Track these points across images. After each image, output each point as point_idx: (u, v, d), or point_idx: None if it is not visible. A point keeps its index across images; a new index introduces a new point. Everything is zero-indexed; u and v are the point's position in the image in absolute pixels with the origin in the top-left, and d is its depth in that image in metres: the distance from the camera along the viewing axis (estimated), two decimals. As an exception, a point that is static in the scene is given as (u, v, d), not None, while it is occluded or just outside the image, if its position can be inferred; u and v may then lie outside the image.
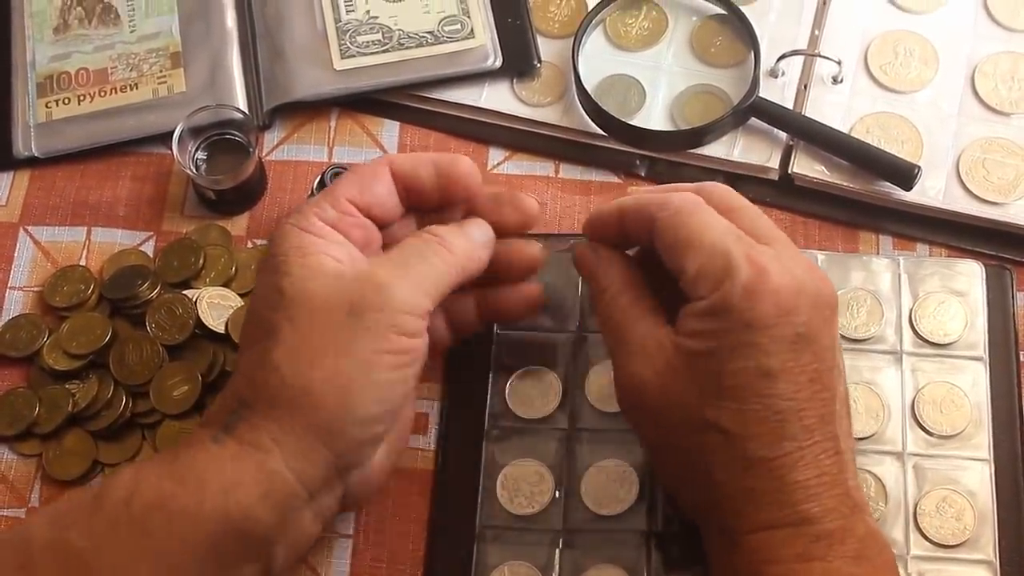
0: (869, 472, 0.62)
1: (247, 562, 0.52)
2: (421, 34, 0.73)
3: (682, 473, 0.56)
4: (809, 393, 0.52)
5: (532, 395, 0.64)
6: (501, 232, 0.60)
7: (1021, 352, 0.65)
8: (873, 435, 0.63)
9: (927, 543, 0.61)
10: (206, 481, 0.51)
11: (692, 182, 0.69)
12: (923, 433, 0.63)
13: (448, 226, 0.58)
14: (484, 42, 0.73)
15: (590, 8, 0.74)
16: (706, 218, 0.55)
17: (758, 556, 0.52)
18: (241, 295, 0.67)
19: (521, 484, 0.62)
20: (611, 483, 0.62)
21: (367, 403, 0.53)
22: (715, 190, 0.57)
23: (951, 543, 0.60)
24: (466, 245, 0.57)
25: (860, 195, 0.69)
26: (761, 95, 0.70)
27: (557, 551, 0.61)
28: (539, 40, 0.74)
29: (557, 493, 0.62)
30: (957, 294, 0.65)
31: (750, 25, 0.72)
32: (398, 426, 0.58)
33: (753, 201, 0.69)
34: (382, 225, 0.58)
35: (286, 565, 0.54)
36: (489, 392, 0.65)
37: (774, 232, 0.56)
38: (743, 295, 0.51)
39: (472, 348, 0.65)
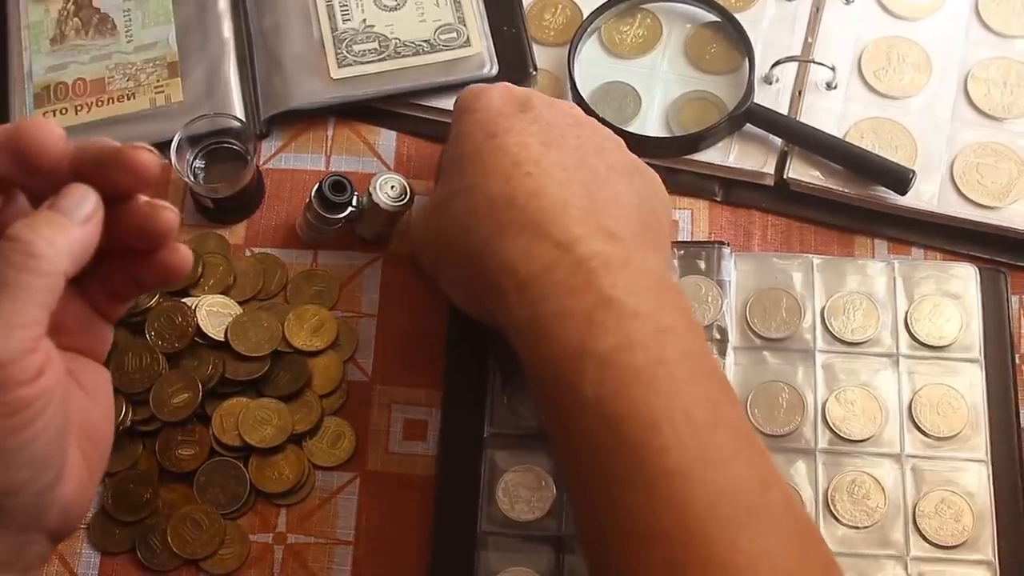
0: (868, 474, 0.62)
1: None
2: (417, 42, 0.73)
3: (454, 263, 0.59)
4: (542, 147, 0.58)
5: (532, 400, 0.64)
6: (113, 196, 0.49)
7: (1016, 354, 0.65)
8: (871, 437, 0.63)
9: (926, 544, 0.61)
10: None
11: (687, 188, 0.71)
12: (921, 435, 0.63)
13: (34, 216, 0.47)
14: (480, 50, 0.73)
15: (585, 16, 0.74)
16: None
17: (528, 297, 0.53)
18: (240, 303, 0.67)
19: (521, 490, 0.62)
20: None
21: (6, 480, 0.45)
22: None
23: (950, 544, 0.61)
24: (60, 240, 0.46)
25: (855, 200, 0.69)
26: (756, 101, 0.70)
27: (558, 556, 0.61)
28: (535, 48, 0.74)
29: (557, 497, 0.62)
30: (952, 297, 0.66)
31: (744, 32, 0.72)
32: (78, 453, 0.50)
33: (749, 207, 0.70)
34: None
35: None
36: (488, 399, 0.65)
37: None
38: (464, 96, 0.63)
39: (471, 355, 0.65)
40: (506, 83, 0.64)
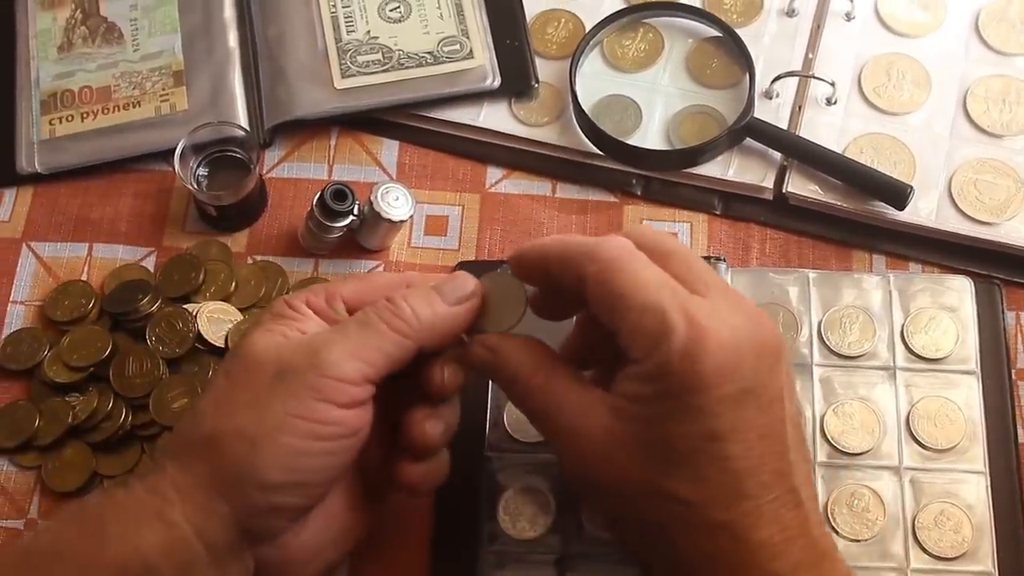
0: (867, 487, 0.62)
1: None
2: (421, 54, 0.74)
3: (645, 543, 0.52)
4: (761, 449, 0.49)
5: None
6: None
7: (1013, 369, 0.65)
8: (870, 450, 0.63)
9: (926, 556, 0.61)
10: (106, 528, 0.49)
11: (687, 201, 0.71)
12: (919, 447, 0.63)
13: (413, 289, 0.54)
14: (483, 62, 0.74)
15: (587, 30, 0.75)
16: (638, 271, 0.50)
17: None
18: (241, 310, 0.68)
19: (523, 508, 0.62)
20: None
21: (271, 467, 0.49)
22: (646, 234, 0.53)
23: (950, 556, 0.61)
24: (426, 313, 0.53)
25: (853, 215, 0.69)
26: (756, 116, 0.70)
27: (561, 575, 0.61)
28: (537, 61, 0.74)
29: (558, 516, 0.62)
30: (948, 309, 0.66)
31: (745, 47, 0.73)
32: (332, 517, 0.55)
33: (747, 221, 0.70)
34: None
35: None
36: (488, 417, 0.64)
37: (710, 277, 0.51)
38: (681, 357, 0.47)
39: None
40: (716, 343, 0.48)
